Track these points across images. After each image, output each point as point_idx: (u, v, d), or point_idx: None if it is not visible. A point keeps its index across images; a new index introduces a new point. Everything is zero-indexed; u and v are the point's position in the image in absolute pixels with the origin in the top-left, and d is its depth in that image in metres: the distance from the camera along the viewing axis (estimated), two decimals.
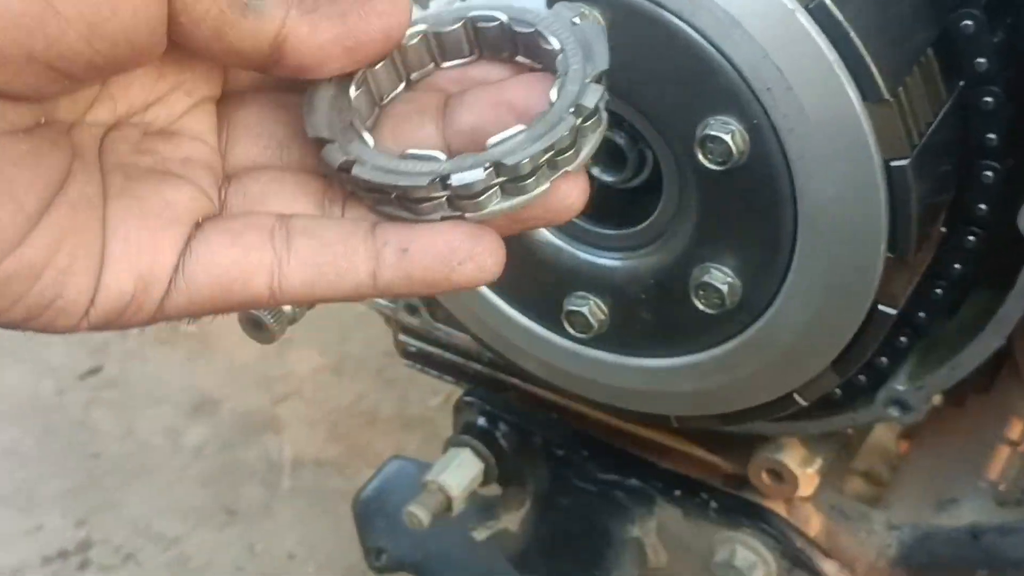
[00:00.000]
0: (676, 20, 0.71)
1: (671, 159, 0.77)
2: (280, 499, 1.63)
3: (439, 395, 1.66)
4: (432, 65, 0.61)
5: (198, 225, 0.60)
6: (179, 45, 0.57)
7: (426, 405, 1.71)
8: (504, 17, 0.59)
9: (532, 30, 0.59)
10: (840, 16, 0.69)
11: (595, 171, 0.82)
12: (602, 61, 0.57)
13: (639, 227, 0.81)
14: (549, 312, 0.87)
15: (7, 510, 1.66)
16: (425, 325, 1.05)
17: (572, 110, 0.55)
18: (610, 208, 0.83)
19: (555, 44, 0.58)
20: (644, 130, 0.77)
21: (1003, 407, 1.00)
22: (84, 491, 1.68)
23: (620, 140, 0.79)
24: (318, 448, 1.70)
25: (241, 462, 1.68)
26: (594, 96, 0.56)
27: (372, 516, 1.13)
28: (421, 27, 0.59)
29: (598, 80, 0.57)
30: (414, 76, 0.61)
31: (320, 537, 1.55)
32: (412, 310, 1.05)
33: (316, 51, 0.57)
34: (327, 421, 1.74)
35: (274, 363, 1.83)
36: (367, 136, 0.57)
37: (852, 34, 0.70)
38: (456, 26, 0.60)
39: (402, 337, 1.10)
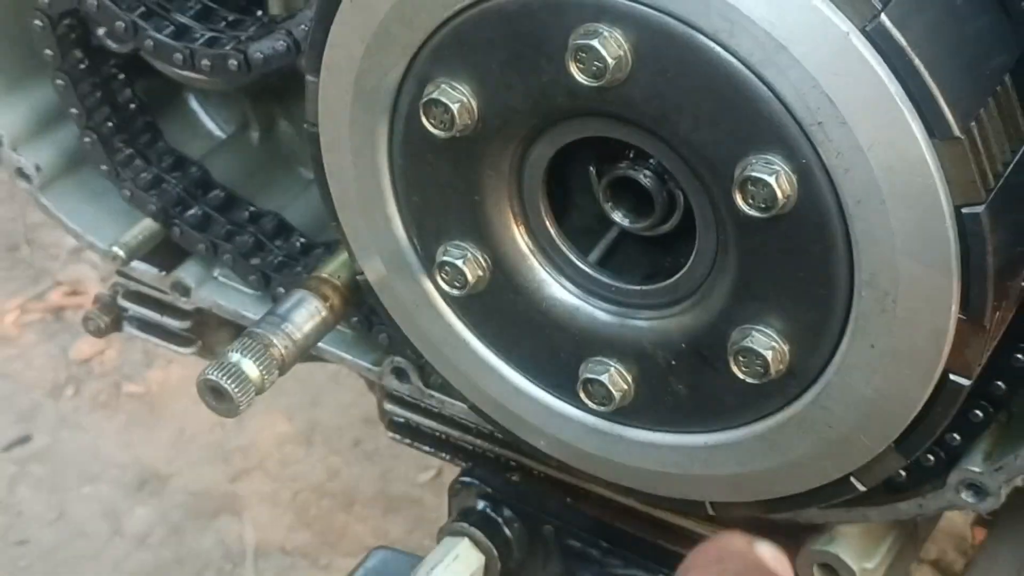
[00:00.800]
0: (713, 45, 0.72)
1: (706, 203, 0.77)
2: None
3: (428, 471, 1.66)
4: None
5: None
6: None
7: (413, 482, 1.70)
8: None
9: None
10: (903, 40, 0.70)
11: (617, 216, 0.83)
12: None
13: (668, 282, 0.82)
14: (563, 380, 0.88)
15: None
16: (415, 393, 1.06)
17: None
18: (634, 259, 0.85)
19: None
20: (675, 169, 0.78)
21: None
22: None
23: (646, 180, 0.80)
24: (284, 534, 1.71)
25: (193, 551, 1.68)
26: None
27: None
28: None
29: None
30: None
31: None
32: (401, 375, 1.06)
33: None
34: (295, 501, 1.74)
35: (232, 432, 1.83)
36: None
37: (916, 61, 0.70)
38: None
39: (388, 406, 1.11)
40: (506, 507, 1.06)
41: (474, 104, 0.78)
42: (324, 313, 0.95)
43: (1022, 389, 0.85)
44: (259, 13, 1.08)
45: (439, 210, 0.85)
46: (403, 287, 0.89)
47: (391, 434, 1.15)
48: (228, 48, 1.01)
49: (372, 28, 0.80)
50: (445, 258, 0.85)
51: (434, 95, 0.78)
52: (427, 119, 0.79)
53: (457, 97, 0.78)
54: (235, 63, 1.00)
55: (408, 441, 1.14)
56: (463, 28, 0.78)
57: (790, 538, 0.97)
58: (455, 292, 0.86)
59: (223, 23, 1.06)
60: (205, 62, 1.02)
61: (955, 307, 0.75)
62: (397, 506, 1.70)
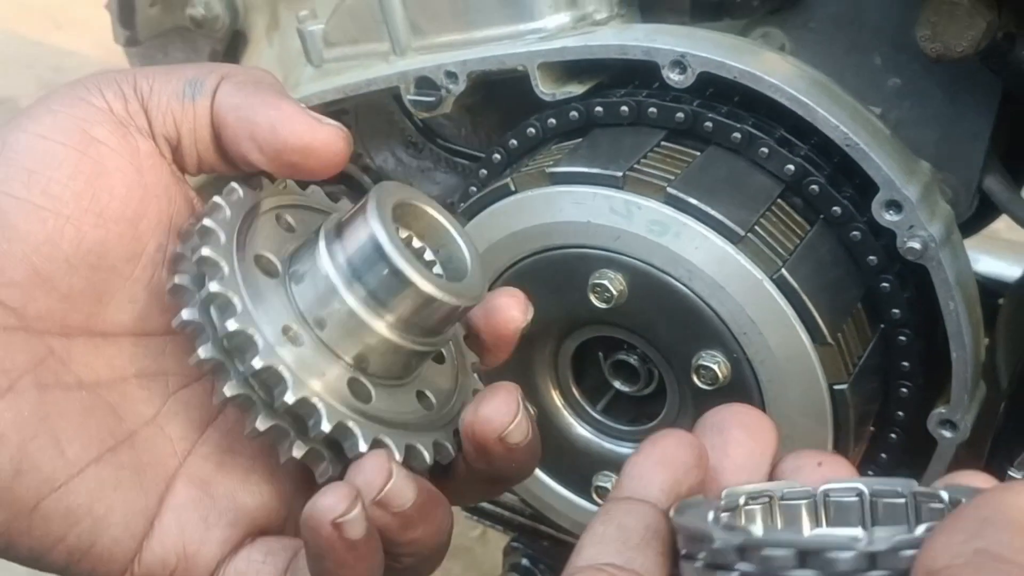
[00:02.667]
0: (679, 284, 0.74)
1: (673, 378, 0.79)
2: None
3: (477, 529, 1.63)
4: None
5: (254, 538, 0.55)
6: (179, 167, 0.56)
7: (466, 536, 1.65)
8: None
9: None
10: (795, 284, 0.73)
11: (616, 382, 0.84)
12: None
13: (648, 425, 0.83)
14: (582, 485, 0.88)
15: None
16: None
17: None
18: (627, 410, 0.86)
19: None
20: (654, 357, 0.80)
21: None
22: None
23: (634, 362, 0.82)
24: None
25: None
26: None
27: None
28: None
29: None
30: None
31: None
32: None
33: (239, 112, 0.56)
34: None
35: None
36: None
37: (804, 296, 0.73)
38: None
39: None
40: (541, 563, 1.06)
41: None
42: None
43: None
44: None
45: (505, 378, 0.86)
46: None
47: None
48: None
49: None
50: None
51: None
52: None
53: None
54: None
55: (472, 516, 1.13)
56: (524, 268, 0.80)
57: None
58: None
59: None
60: None
61: (829, 446, 0.76)
62: (456, 553, 1.64)
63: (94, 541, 0.51)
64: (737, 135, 0.77)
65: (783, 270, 0.74)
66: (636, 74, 0.82)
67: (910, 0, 0.70)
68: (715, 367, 0.75)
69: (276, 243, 0.56)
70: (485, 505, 1.10)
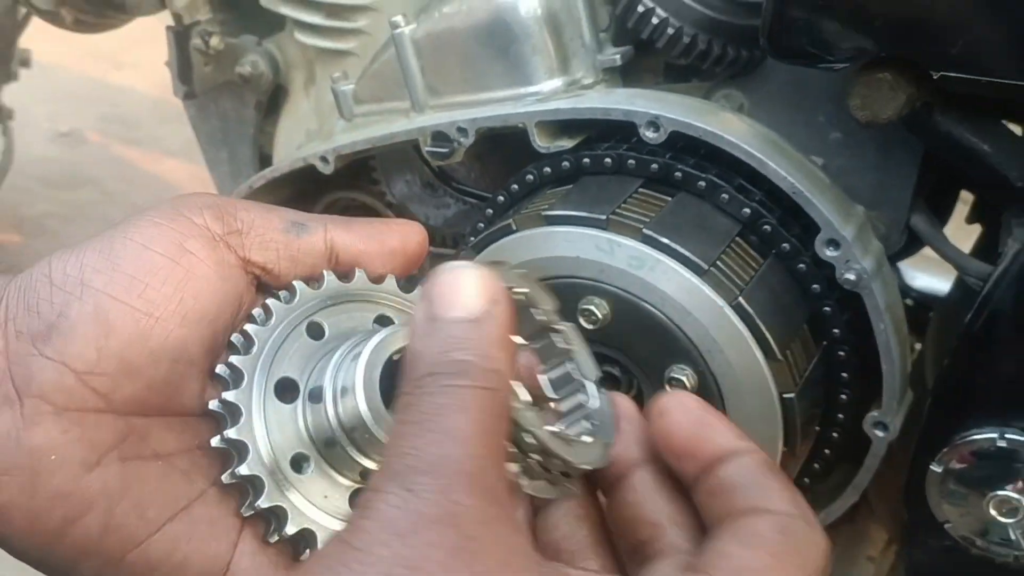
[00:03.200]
0: (654, 310, 0.77)
1: (649, 387, 0.81)
2: None
3: None
4: None
5: None
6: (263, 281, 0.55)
7: None
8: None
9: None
10: (750, 310, 0.76)
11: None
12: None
13: None
14: None
15: None
16: None
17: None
18: None
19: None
20: (633, 369, 0.82)
21: (863, 533, 1.04)
22: None
23: (618, 373, 0.82)
24: None
25: None
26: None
27: None
28: None
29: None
30: None
31: None
32: None
33: (357, 251, 0.56)
34: None
35: None
36: None
37: (758, 320, 0.76)
38: None
39: None
40: None
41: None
42: None
43: (818, 483, 0.88)
44: None
45: None
46: None
47: None
48: None
49: None
50: None
51: None
52: None
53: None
54: None
55: None
56: None
57: None
58: None
59: None
60: None
61: (780, 444, 0.79)
62: None
63: None
64: (702, 183, 0.81)
65: (740, 298, 0.77)
66: (618, 130, 0.85)
67: (846, 72, 0.73)
68: (684, 378, 0.77)
69: (303, 358, 0.54)
70: None
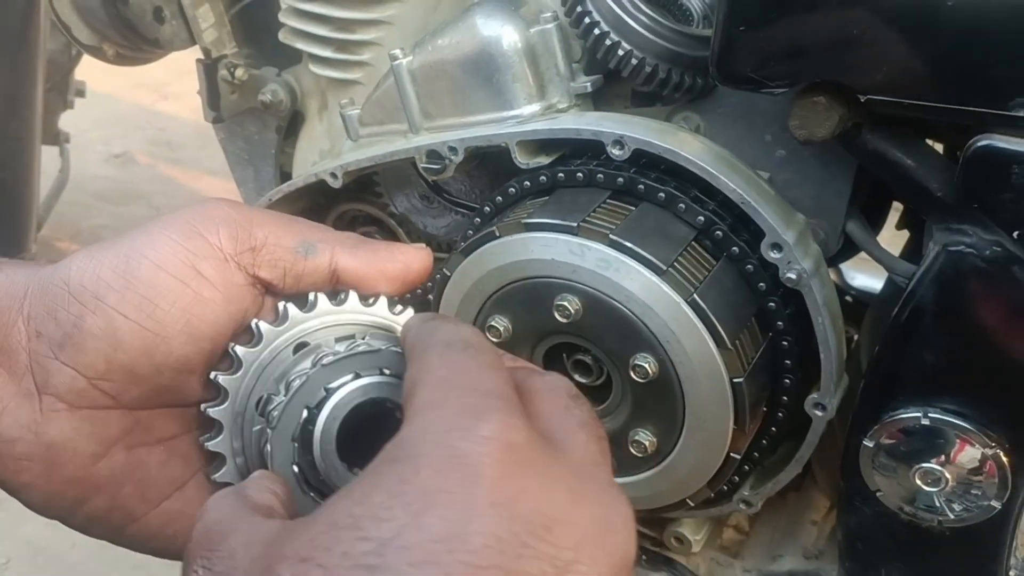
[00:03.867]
0: (620, 305, 0.76)
1: (617, 373, 0.81)
2: None
3: None
4: None
5: None
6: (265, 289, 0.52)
7: None
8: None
9: None
10: (704, 305, 0.75)
11: (575, 376, 0.83)
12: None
13: (599, 408, 0.82)
14: None
15: None
16: None
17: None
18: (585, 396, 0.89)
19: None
20: (602, 358, 0.81)
21: (807, 500, 1.03)
22: None
23: (589, 361, 0.82)
24: None
25: None
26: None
27: None
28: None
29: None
30: None
31: None
32: None
33: (359, 275, 0.53)
34: None
35: None
36: None
37: (710, 314, 0.75)
38: None
39: None
40: None
41: (510, 328, 0.81)
42: None
43: (766, 457, 0.87)
44: None
45: None
46: None
47: None
48: None
49: (464, 290, 0.83)
50: None
51: (491, 322, 0.81)
52: (488, 333, 0.81)
53: (502, 325, 0.81)
54: None
55: None
56: (506, 293, 0.81)
57: (662, 524, 0.96)
58: None
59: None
60: None
61: (731, 423, 0.78)
62: None
63: (175, 549, 0.52)
64: (662, 195, 0.80)
65: (695, 295, 0.76)
66: (589, 148, 0.84)
67: (786, 96, 0.72)
68: (647, 365, 0.76)
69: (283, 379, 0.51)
70: None
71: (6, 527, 1.55)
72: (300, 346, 0.52)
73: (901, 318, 0.74)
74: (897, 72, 0.62)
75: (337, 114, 0.99)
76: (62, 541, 1.54)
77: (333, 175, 0.96)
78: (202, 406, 0.52)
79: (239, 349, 0.51)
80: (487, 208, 0.89)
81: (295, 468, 0.47)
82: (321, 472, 0.47)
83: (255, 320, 0.52)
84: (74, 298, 0.49)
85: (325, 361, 0.48)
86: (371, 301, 0.54)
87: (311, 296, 0.53)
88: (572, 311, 0.78)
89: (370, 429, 0.48)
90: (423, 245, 0.57)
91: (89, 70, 1.86)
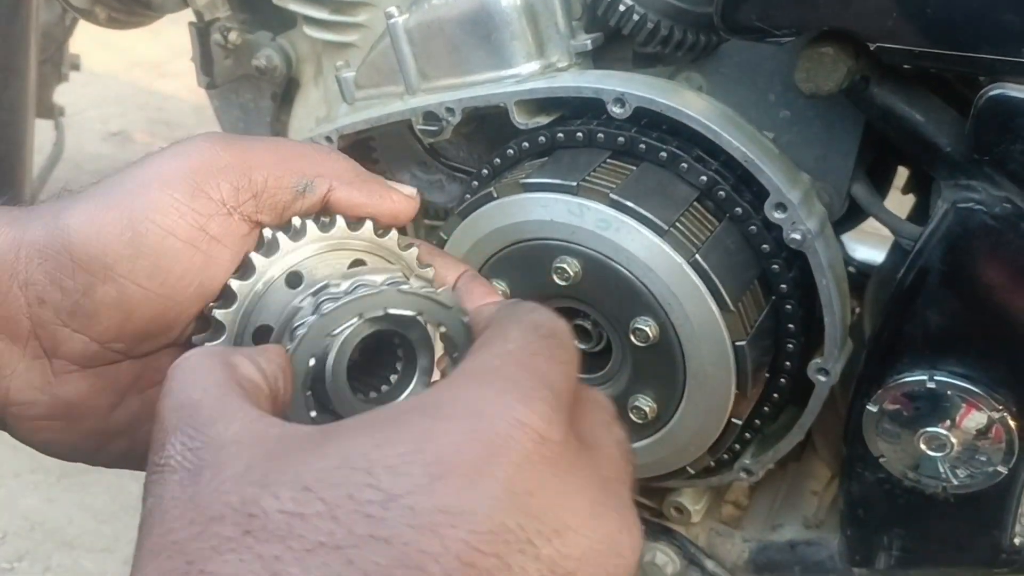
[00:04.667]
0: (620, 267, 0.75)
1: (617, 338, 0.79)
2: None
3: None
4: None
5: None
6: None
7: None
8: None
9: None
10: (706, 266, 0.74)
11: (575, 343, 0.84)
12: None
13: (599, 374, 0.82)
14: None
15: None
16: None
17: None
18: (584, 364, 0.85)
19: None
20: (602, 322, 0.80)
21: (808, 470, 1.02)
22: None
23: (588, 326, 0.81)
24: None
25: None
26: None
27: None
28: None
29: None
30: None
31: None
32: None
33: (351, 207, 0.52)
34: None
35: None
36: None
37: (713, 275, 0.73)
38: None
39: None
40: None
41: (508, 292, 0.79)
42: None
43: (767, 424, 0.86)
44: None
45: None
46: None
47: None
48: None
49: (462, 253, 0.81)
50: None
51: None
52: None
53: (500, 289, 0.79)
54: None
55: None
56: (504, 256, 0.80)
57: (662, 493, 0.95)
58: None
59: None
60: None
61: (733, 388, 0.77)
62: None
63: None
64: (664, 154, 0.78)
65: (697, 256, 0.74)
66: (590, 108, 0.82)
67: (792, 52, 0.70)
68: (647, 329, 0.75)
69: (281, 306, 0.50)
70: None
71: (3, 501, 1.54)
72: (292, 275, 0.51)
73: (908, 279, 0.72)
74: (907, 18, 0.60)
75: (333, 79, 0.97)
76: (59, 516, 1.53)
77: (328, 139, 0.94)
78: (194, 338, 0.50)
79: (234, 283, 0.49)
80: (485, 170, 0.87)
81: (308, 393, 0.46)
82: (333, 403, 0.46)
83: (251, 253, 0.50)
84: (80, 267, 0.47)
85: (325, 309, 0.46)
86: (358, 225, 0.54)
87: (297, 222, 0.51)
88: (571, 273, 0.76)
89: (377, 353, 0.48)
90: (414, 190, 0.55)
91: (88, 50, 1.84)
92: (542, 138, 0.83)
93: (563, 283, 0.77)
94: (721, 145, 0.76)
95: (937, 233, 0.69)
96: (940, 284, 0.70)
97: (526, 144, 0.84)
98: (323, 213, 0.52)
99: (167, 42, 2.75)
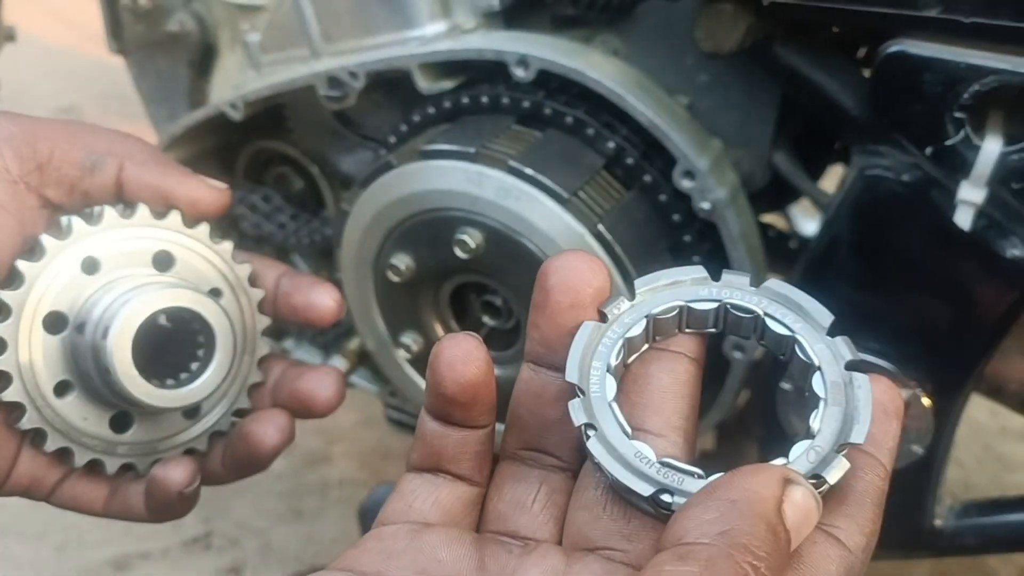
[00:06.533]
0: (522, 239, 0.73)
1: (524, 313, 0.75)
2: (330, 505, 1.63)
3: None
4: (676, 332, 0.46)
5: None
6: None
7: None
8: (760, 311, 0.43)
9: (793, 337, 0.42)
10: (609, 237, 0.72)
11: (485, 319, 0.82)
12: (859, 435, 0.37)
13: (510, 351, 0.82)
14: None
15: None
16: (399, 402, 1.01)
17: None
18: (498, 341, 0.84)
19: (818, 370, 0.40)
20: (510, 298, 0.79)
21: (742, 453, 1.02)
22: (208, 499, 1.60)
23: (498, 302, 0.80)
24: (354, 473, 1.69)
25: (307, 482, 1.68)
26: (838, 472, 0.36)
27: (368, 517, 1.12)
28: (678, 303, 0.45)
29: (842, 452, 0.37)
30: (658, 339, 0.46)
31: (352, 527, 1.52)
32: (392, 394, 1.00)
33: (142, 188, 0.53)
34: (360, 456, 1.73)
35: (330, 420, 1.77)
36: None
37: (616, 247, 0.72)
38: (708, 307, 0.45)
39: (387, 410, 1.05)
40: None
41: (413, 265, 0.78)
42: (347, 366, 0.92)
43: None
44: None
45: (399, 316, 0.83)
46: (384, 355, 0.86)
47: (390, 424, 1.05)
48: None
49: (364, 226, 0.80)
50: (403, 340, 0.83)
51: (392, 261, 0.78)
52: (389, 272, 0.78)
53: (404, 262, 0.78)
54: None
55: (398, 427, 1.06)
56: (405, 229, 0.78)
57: None
58: (408, 356, 0.84)
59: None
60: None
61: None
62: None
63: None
64: (570, 119, 0.76)
65: (599, 226, 0.72)
66: (499, 72, 0.79)
67: (694, 5, 0.67)
68: None
69: (76, 291, 0.51)
70: (405, 418, 1.07)
71: None
72: (88, 261, 0.51)
73: (818, 249, 0.70)
74: None
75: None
76: None
77: (233, 106, 0.91)
78: None
79: (21, 264, 0.50)
80: (392, 138, 0.85)
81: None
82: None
83: (42, 235, 0.51)
84: None
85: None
86: (163, 215, 0.54)
87: (96, 209, 0.52)
88: (473, 246, 0.74)
89: (181, 345, 0.51)
90: (224, 186, 0.55)
91: (43, 24, 1.79)
92: (448, 103, 0.80)
93: (466, 256, 0.75)
94: (625, 109, 0.73)
95: (846, 202, 0.67)
96: (850, 254, 0.68)
97: (432, 110, 0.81)
98: (127, 202, 0.52)
99: None
